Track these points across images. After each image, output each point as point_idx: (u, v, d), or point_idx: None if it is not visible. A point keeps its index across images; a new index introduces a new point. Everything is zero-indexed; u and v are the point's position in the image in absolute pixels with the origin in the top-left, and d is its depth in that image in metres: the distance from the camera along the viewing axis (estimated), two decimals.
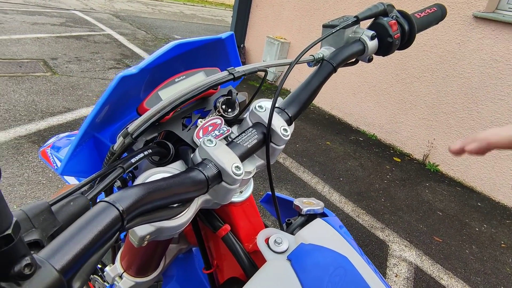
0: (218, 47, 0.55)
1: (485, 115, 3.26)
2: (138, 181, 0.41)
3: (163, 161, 0.48)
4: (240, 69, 0.46)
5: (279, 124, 0.50)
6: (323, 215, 0.64)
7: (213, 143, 0.44)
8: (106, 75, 4.35)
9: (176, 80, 0.51)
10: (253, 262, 0.53)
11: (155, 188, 0.35)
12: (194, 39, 0.48)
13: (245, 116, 0.54)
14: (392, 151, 3.92)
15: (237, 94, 0.55)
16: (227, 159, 0.43)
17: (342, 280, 0.46)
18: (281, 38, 5.11)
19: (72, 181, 0.88)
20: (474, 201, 3.17)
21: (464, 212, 2.96)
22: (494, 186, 3.27)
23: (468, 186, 3.41)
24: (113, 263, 0.65)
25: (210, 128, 0.51)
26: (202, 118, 0.52)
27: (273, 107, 0.48)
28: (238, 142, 0.48)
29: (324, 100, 4.72)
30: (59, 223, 0.30)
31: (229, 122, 0.55)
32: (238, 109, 0.56)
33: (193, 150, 0.50)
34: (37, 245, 0.27)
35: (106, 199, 0.30)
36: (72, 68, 4.36)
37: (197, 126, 0.51)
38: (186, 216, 0.41)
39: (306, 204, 0.64)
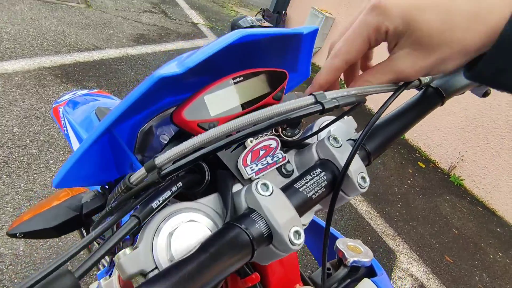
0: (291, 41, 0.41)
1: None
2: (153, 227, 0.30)
3: (191, 190, 0.36)
4: (331, 96, 0.32)
5: (357, 170, 0.37)
6: (370, 269, 0.52)
7: (268, 191, 0.32)
8: (140, 18, 4.17)
9: (230, 82, 0.37)
10: None
11: (188, 280, 0.23)
12: (267, 31, 0.35)
13: (310, 142, 0.41)
14: (418, 155, 3.73)
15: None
16: (285, 219, 0.30)
17: None
18: (326, 12, 4.79)
19: (76, 146, 0.76)
20: (493, 226, 3.01)
21: (481, 235, 2.82)
22: None
23: (490, 208, 3.24)
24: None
25: (261, 153, 0.38)
26: (252, 136, 0.39)
27: (356, 150, 0.35)
28: (300, 189, 0.35)
29: None
30: None
31: (286, 144, 0.42)
32: (301, 130, 0.43)
33: (236, 179, 0.38)
34: None
35: None
36: (107, 4, 4.20)
37: (244, 147, 0.38)
38: None
39: (351, 251, 0.52)
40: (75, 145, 0.74)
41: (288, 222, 0.30)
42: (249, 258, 0.29)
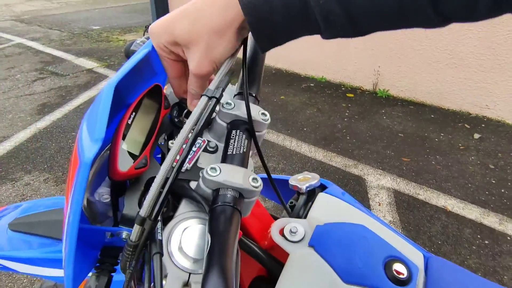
0: (143, 61, 0.49)
1: (418, 30, 3.38)
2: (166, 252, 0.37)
3: (164, 214, 0.44)
4: (213, 85, 0.41)
5: (255, 110, 0.48)
6: (321, 187, 0.63)
7: (217, 171, 0.40)
8: (33, 89, 3.96)
9: (129, 123, 0.44)
10: (275, 258, 0.52)
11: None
12: (127, 67, 0.41)
13: (213, 117, 0.50)
14: (343, 89, 4.01)
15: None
16: (241, 177, 0.39)
17: (368, 249, 0.46)
18: None
19: (22, 268, 0.72)
20: (427, 115, 3.38)
21: (421, 127, 3.15)
22: (441, 95, 3.49)
23: (419, 103, 3.61)
24: None
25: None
26: (170, 141, 0.49)
27: (247, 97, 0.45)
28: (234, 152, 0.44)
29: (268, 56, 4.66)
30: None
31: None
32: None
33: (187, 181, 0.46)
34: None
35: None
36: None
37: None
38: None
39: (302, 181, 0.63)
40: (20, 268, 0.74)
41: (244, 177, 0.40)
42: (241, 217, 0.38)
